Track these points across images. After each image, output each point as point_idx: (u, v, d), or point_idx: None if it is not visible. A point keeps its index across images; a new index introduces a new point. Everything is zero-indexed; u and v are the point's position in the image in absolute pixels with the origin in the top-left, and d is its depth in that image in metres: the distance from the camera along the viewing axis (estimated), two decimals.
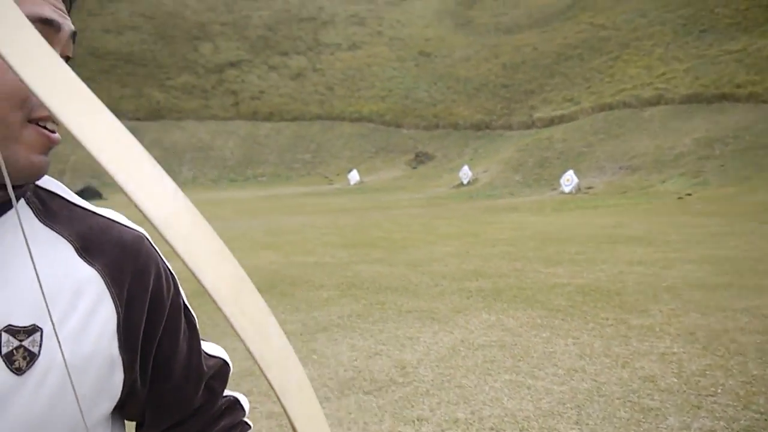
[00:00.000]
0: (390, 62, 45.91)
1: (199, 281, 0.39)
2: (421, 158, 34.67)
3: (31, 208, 0.69)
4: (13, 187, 0.60)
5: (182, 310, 0.81)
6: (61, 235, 0.69)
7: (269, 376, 0.41)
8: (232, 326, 0.39)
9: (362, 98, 42.86)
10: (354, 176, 32.72)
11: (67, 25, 0.67)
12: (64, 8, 0.67)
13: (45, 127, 0.64)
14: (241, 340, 0.40)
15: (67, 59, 0.67)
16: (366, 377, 4.45)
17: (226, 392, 0.90)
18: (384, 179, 32.38)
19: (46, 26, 0.63)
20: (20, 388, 0.61)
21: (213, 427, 0.86)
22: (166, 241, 0.38)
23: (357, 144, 39.02)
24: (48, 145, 0.65)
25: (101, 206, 0.77)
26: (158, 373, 0.77)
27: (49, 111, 0.38)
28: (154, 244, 0.78)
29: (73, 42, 0.69)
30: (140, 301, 0.72)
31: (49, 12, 0.63)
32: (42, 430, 0.63)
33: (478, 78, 40.26)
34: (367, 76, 45.13)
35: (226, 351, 0.92)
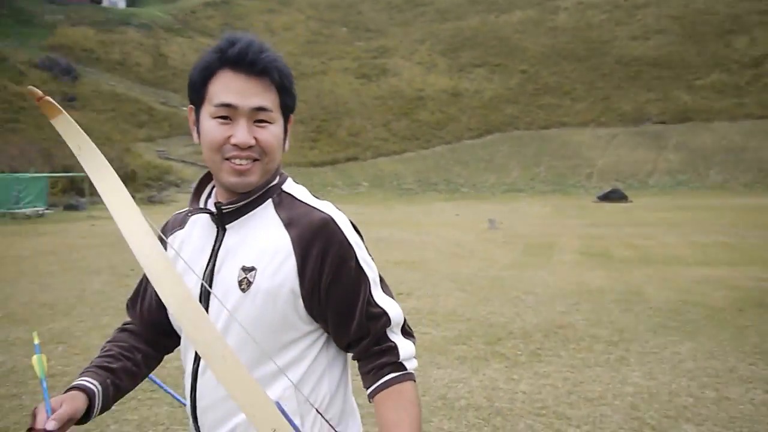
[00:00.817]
0: None
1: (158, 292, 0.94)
2: None
3: (273, 202, 1.18)
4: (263, 191, 1.16)
5: (349, 270, 1.14)
6: (280, 217, 1.16)
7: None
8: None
9: None
10: None
11: (248, 104, 1.10)
12: (257, 90, 1.11)
13: (233, 162, 1.11)
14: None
15: (261, 121, 1.12)
16: None
17: (399, 339, 1.16)
18: None
19: (226, 107, 1.09)
20: (244, 300, 1.11)
21: (373, 358, 1.15)
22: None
23: None
24: (238, 172, 1.11)
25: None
26: (325, 306, 1.14)
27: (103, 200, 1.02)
28: (339, 225, 1.16)
29: (264, 110, 1.12)
30: (313, 258, 1.12)
31: (231, 98, 1.09)
32: (257, 324, 1.10)
33: None
34: None
35: None
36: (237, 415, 1.13)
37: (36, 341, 1.15)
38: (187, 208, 1.31)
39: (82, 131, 1.05)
